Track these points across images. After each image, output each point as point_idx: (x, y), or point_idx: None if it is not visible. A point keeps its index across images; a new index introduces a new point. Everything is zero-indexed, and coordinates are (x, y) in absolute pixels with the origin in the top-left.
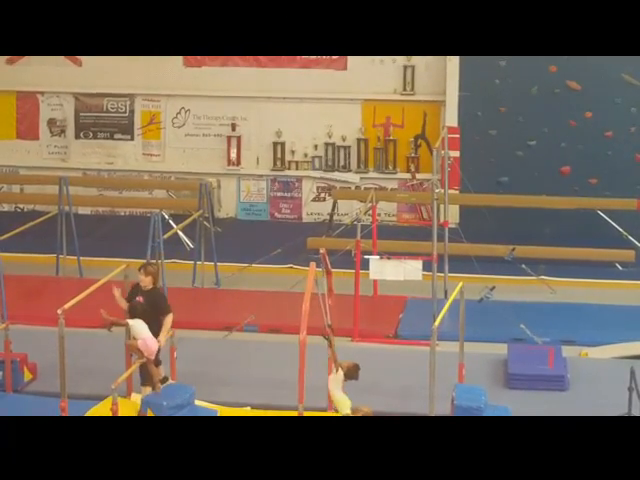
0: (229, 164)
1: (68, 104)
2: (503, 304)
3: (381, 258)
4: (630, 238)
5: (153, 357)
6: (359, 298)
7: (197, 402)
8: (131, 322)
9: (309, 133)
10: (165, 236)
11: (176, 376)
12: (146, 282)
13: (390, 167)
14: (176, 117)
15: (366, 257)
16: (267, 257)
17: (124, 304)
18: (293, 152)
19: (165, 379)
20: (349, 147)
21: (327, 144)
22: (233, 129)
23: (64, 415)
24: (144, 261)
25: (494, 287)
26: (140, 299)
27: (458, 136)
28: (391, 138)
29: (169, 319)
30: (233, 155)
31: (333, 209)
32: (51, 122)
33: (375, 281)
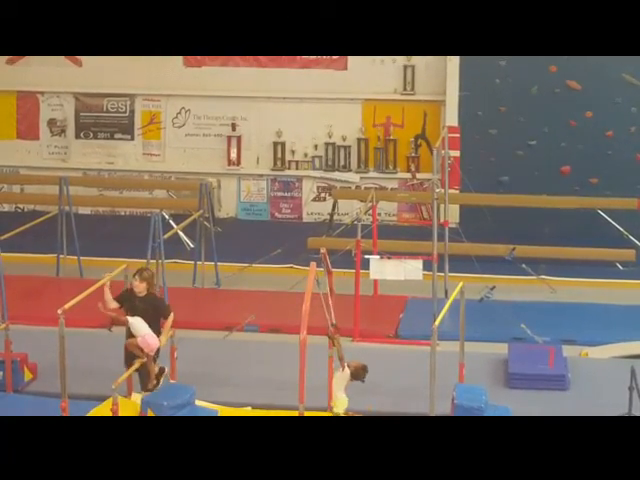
0: (229, 164)
1: (68, 104)
2: (503, 304)
3: (381, 258)
4: (630, 238)
5: (153, 353)
6: (359, 298)
7: (197, 402)
8: (131, 320)
9: (309, 133)
10: (165, 236)
11: (176, 376)
12: (140, 288)
13: (390, 167)
14: (176, 117)
15: (366, 257)
16: (267, 257)
17: (114, 304)
18: (293, 152)
19: (162, 370)
20: (349, 147)
21: (327, 144)
22: (233, 129)
23: (64, 415)
24: (144, 261)
25: (494, 287)
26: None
27: (458, 136)
28: (391, 138)
29: (170, 319)
30: (233, 155)
31: (333, 209)
32: (51, 122)
33: (375, 281)
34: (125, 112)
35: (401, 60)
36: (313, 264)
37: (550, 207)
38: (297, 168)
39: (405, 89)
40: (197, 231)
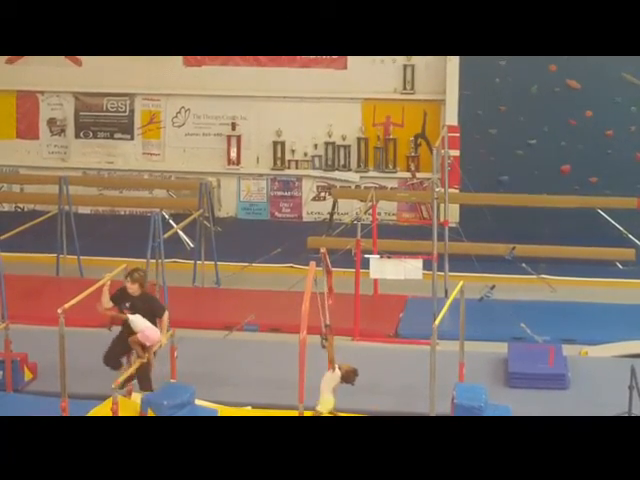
0: (229, 163)
1: (68, 104)
2: (503, 303)
3: (381, 257)
4: (630, 237)
5: (155, 346)
6: (359, 297)
7: (197, 401)
8: (131, 317)
9: (309, 132)
10: (165, 235)
11: (176, 375)
12: (133, 289)
13: (390, 166)
14: (176, 116)
15: (366, 256)
16: (267, 256)
17: (109, 304)
18: (293, 151)
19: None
20: (349, 146)
21: (327, 143)
22: (233, 128)
23: (64, 415)
24: (144, 261)
25: (494, 286)
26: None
27: (458, 135)
28: (391, 137)
29: (165, 318)
30: (233, 154)
31: (333, 208)
32: (51, 122)
33: (375, 280)
34: (125, 112)
35: (401, 60)
36: (313, 263)
37: (550, 206)
38: (297, 167)
39: (405, 88)
40: (197, 230)
